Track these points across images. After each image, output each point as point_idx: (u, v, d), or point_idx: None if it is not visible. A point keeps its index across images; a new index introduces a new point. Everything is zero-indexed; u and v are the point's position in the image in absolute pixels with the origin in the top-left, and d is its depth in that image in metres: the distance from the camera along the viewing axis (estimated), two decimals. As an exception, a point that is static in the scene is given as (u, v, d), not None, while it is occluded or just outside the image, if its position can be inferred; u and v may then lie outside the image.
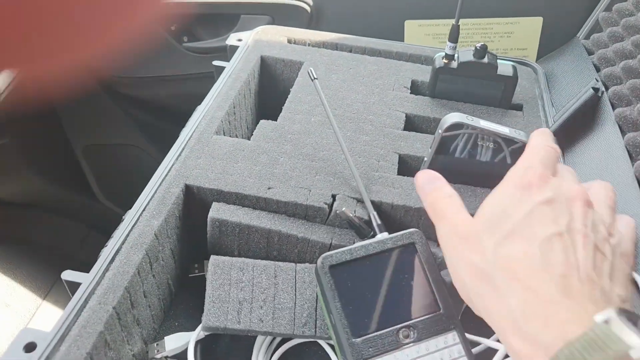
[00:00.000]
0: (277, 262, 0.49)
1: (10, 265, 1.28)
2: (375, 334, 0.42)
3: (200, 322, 0.50)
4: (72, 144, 1.17)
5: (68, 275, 0.45)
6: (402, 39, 0.90)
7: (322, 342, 0.50)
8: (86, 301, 0.42)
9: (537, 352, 0.32)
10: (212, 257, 0.49)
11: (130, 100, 1.06)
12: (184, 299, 0.54)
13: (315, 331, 0.47)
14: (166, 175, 0.53)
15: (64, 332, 0.40)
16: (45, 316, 1.23)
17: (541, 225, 0.35)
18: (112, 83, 1.03)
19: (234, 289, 0.47)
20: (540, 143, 0.42)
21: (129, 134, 1.12)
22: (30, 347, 0.40)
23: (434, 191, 0.43)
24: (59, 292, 1.28)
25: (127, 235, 0.47)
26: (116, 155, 1.18)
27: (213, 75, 0.99)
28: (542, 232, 0.35)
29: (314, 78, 0.56)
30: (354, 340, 0.41)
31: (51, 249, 1.31)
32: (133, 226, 0.48)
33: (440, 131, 0.51)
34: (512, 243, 0.35)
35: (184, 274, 0.55)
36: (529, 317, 0.33)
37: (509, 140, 0.50)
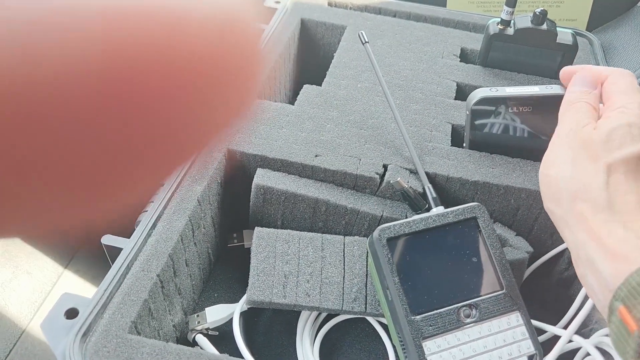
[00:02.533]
0: (324, 234, 0.47)
1: (31, 235, 1.28)
2: (435, 312, 0.39)
3: (240, 294, 0.47)
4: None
5: (108, 240, 0.43)
6: (443, 4, 0.85)
7: (371, 319, 0.47)
8: (128, 267, 0.40)
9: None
10: (257, 229, 0.46)
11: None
12: (222, 269, 0.52)
13: (366, 307, 0.44)
14: (207, 139, 0.50)
15: (106, 299, 0.38)
16: (67, 285, 1.22)
17: None
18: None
19: (279, 262, 0.45)
20: (574, 98, 0.39)
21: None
22: (72, 313, 0.37)
23: (582, 94, 0.39)
24: (80, 261, 1.28)
25: (169, 200, 0.45)
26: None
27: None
28: None
29: (365, 42, 0.53)
30: (413, 317, 0.39)
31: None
32: (174, 191, 0.46)
33: (467, 112, 0.48)
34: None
35: (222, 243, 0.53)
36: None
37: (544, 98, 0.47)
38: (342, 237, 0.47)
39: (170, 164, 0.13)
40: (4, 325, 1.16)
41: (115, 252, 0.42)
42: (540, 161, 0.38)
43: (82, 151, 0.11)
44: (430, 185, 0.47)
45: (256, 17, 0.15)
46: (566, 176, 0.35)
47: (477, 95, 0.48)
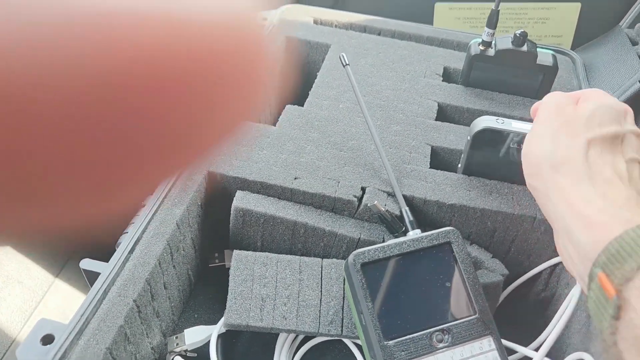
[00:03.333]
0: (302, 257, 0.47)
1: (23, 242, 1.28)
2: (408, 336, 0.40)
3: (220, 315, 0.48)
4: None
5: (87, 264, 0.43)
6: (430, 21, 0.86)
7: (347, 342, 0.48)
8: (105, 292, 0.41)
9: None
10: (235, 252, 0.47)
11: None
12: (203, 289, 0.52)
13: (342, 330, 0.45)
14: (188, 160, 0.51)
15: (82, 324, 0.38)
16: (57, 294, 1.22)
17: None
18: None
19: (257, 285, 0.45)
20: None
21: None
22: (47, 340, 0.38)
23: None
24: (71, 270, 1.28)
25: (148, 223, 0.45)
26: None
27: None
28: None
29: (346, 64, 0.53)
30: (385, 342, 0.39)
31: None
32: (154, 214, 0.46)
33: (469, 137, 0.49)
34: None
35: (203, 263, 0.53)
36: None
37: None
38: (320, 259, 0.48)
39: (162, 173, 0.13)
40: (-5, 335, 1.16)
41: (94, 276, 0.42)
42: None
43: (76, 153, 0.11)
44: (407, 208, 0.47)
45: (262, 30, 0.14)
46: (547, 150, 0.37)
47: (481, 123, 0.48)
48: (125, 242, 0.44)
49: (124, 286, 0.41)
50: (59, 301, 1.24)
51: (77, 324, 0.38)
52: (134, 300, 0.40)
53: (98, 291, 0.40)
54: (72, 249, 1.30)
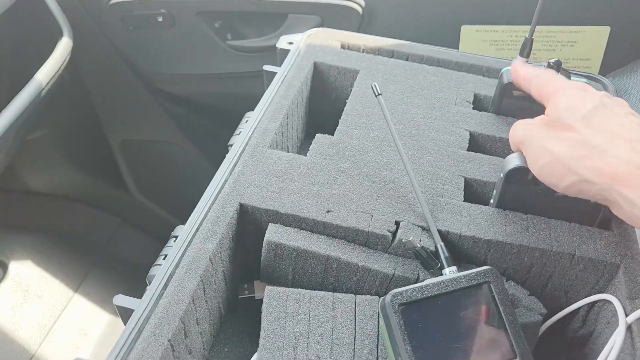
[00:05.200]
0: (335, 294, 0.46)
1: (42, 256, 1.28)
2: None
3: (250, 348, 0.48)
4: (109, 138, 1.16)
5: (120, 300, 0.43)
6: (456, 44, 0.85)
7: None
8: (140, 331, 0.40)
9: None
10: (268, 288, 0.46)
11: (168, 97, 1.04)
12: (233, 321, 0.52)
13: None
14: (219, 191, 0.51)
15: (117, 366, 0.38)
16: (77, 309, 1.22)
17: None
18: (151, 78, 1.01)
19: (290, 323, 0.44)
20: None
21: (166, 131, 1.10)
22: (82, 382, 0.37)
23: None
24: (90, 284, 1.28)
25: (181, 257, 0.45)
26: (152, 151, 1.17)
27: (254, 74, 0.96)
28: None
29: (378, 94, 0.53)
30: None
31: (83, 241, 1.31)
32: (186, 248, 0.46)
33: (502, 175, 0.48)
34: None
35: (233, 295, 0.53)
36: None
37: None
38: (353, 296, 0.47)
39: None
40: (15, 350, 1.17)
41: (127, 313, 0.42)
42: (569, 221, 0.47)
43: None
44: (442, 244, 0.46)
45: None
46: (565, 148, 0.41)
47: (514, 161, 0.47)
48: (158, 278, 0.44)
49: (158, 325, 0.40)
50: (78, 317, 1.25)
51: (112, 364, 0.38)
52: (169, 340, 0.40)
53: (132, 330, 0.40)
54: (90, 264, 1.30)
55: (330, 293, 0.46)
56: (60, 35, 0.90)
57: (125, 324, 0.43)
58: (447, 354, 0.40)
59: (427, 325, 0.41)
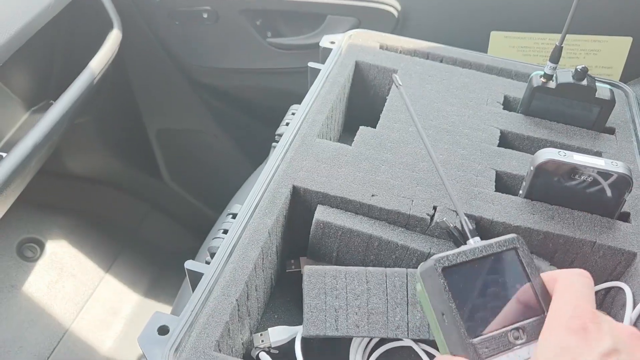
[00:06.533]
0: (367, 268, 0.51)
1: (77, 237, 1.35)
2: (490, 334, 0.43)
3: (297, 316, 0.53)
4: (147, 126, 1.22)
5: (191, 265, 0.48)
6: (484, 48, 0.90)
7: (416, 348, 0.52)
8: (210, 292, 0.46)
9: None
10: (306, 268, 0.51)
11: (207, 89, 1.10)
12: (281, 292, 0.57)
13: (408, 333, 0.49)
14: (274, 174, 0.56)
15: (193, 319, 0.43)
16: (108, 288, 1.29)
17: None
18: (192, 71, 1.07)
19: (330, 297, 0.49)
20: (573, 272, 0.40)
21: (202, 121, 1.16)
22: (163, 330, 0.43)
23: None
24: (120, 266, 1.34)
25: (243, 230, 0.50)
26: (187, 140, 1.22)
27: (291, 71, 1.02)
28: None
29: (399, 85, 0.57)
30: (470, 340, 0.43)
31: (115, 224, 1.37)
32: (247, 222, 0.51)
33: (532, 168, 0.53)
34: None
35: (282, 269, 0.58)
36: None
37: (606, 173, 0.52)
38: (383, 269, 0.52)
39: None
40: (49, 324, 1.23)
41: (196, 276, 0.47)
42: (591, 212, 0.47)
43: None
44: (465, 218, 0.49)
45: None
46: None
47: (545, 155, 0.52)
48: (223, 247, 0.49)
49: (227, 287, 0.46)
50: (109, 295, 1.31)
51: (189, 318, 0.43)
52: (236, 300, 0.45)
53: (204, 290, 0.45)
54: (121, 246, 1.36)
55: (362, 268, 0.51)
56: (110, 27, 0.96)
57: (193, 288, 0.48)
58: (485, 311, 0.44)
59: (466, 286, 0.44)
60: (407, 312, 0.50)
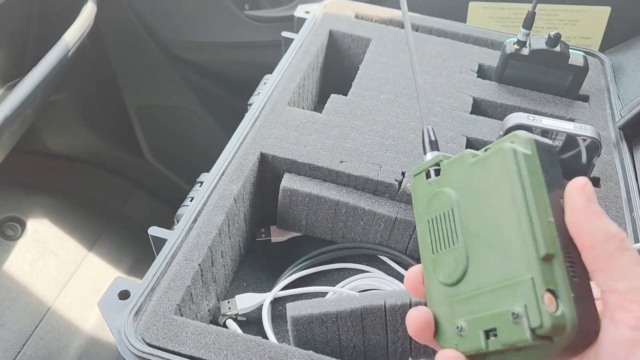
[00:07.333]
0: (364, 304, 0.45)
1: (58, 216, 1.34)
2: None
3: (266, 284, 0.53)
4: (126, 103, 1.20)
5: (154, 230, 0.48)
6: (463, 19, 0.89)
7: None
8: (173, 257, 0.45)
9: None
10: (289, 308, 0.45)
11: (186, 64, 1.08)
12: (250, 260, 0.57)
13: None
14: (242, 141, 0.55)
15: (154, 283, 0.43)
16: (90, 267, 1.28)
17: None
18: (170, 45, 1.05)
19: (320, 346, 0.46)
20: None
21: (182, 97, 1.15)
22: (124, 295, 0.43)
23: None
24: (103, 245, 1.34)
25: (208, 197, 0.50)
26: (167, 117, 1.21)
27: (269, 44, 1.01)
28: None
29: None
30: None
31: (97, 203, 1.36)
32: (213, 189, 0.51)
33: (501, 132, 0.53)
34: None
35: (251, 237, 0.58)
36: None
37: (574, 137, 0.52)
38: (382, 303, 0.45)
39: None
40: (31, 302, 1.22)
41: (160, 242, 0.47)
42: None
43: None
44: (430, 127, 0.39)
45: None
46: None
47: (513, 119, 0.52)
48: (187, 214, 0.49)
49: (189, 251, 0.45)
50: (92, 274, 1.30)
51: (150, 282, 0.43)
52: (199, 265, 0.45)
53: (167, 255, 0.45)
54: (103, 225, 1.35)
55: (359, 303, 0.45)
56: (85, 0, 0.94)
57: (157, 253, 0.48)
58: None
59: None
60: (410, 343, 0.46)
